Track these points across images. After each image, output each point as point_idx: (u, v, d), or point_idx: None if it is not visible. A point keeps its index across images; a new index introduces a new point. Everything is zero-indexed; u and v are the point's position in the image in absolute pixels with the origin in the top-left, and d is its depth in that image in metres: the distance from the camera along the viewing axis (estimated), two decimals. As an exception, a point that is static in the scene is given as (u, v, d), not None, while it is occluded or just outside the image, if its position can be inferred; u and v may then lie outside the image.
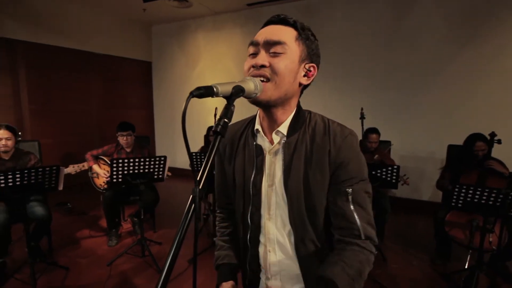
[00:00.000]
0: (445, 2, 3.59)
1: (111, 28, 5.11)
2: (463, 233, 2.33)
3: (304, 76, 0.74)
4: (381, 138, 3.18)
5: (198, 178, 0.46)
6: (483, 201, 1.98)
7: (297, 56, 0.70)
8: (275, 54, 0.68)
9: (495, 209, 1.95)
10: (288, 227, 0.76)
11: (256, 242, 0.81)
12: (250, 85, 0.60)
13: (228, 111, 0.53)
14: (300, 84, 0.74)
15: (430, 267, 2.56)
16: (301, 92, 0.79)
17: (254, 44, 0.71)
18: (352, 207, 0.70)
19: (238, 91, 0.56)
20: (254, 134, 0.80)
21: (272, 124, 0.76)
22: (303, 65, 0.72)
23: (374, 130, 2.99)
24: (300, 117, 0.77)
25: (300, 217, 0.74)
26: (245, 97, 0.59)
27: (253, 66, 0.69)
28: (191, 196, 0.44)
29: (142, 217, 2.64)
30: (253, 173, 0.78)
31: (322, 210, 0.74)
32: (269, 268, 0.81)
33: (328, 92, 4.27)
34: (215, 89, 0.50)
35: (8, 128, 2.40)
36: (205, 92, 0.48)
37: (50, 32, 4.28)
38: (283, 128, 0.75)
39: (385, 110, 3.99)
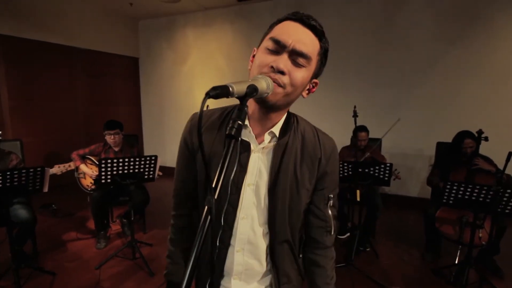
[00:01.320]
0: (435, 0, 3.65)
1: (96, 22, 4.92)
2: (453, 229, 2.38)
3: (307, 90, 0.74)
4: (372, 136, 3.21)
5: (213, 185, 0.42)
6: (473, 198, 2.03)
7: (312, 72, 0.70)
8: (298, 65, 0.66)
9: (486, 206, 2.00)
10: (264, 227, 0.76)
11: (226, 243, 0.77)
12: (263, 84, 0.57)
13: (242, 112, 0.49)
14: (302, 96, 0.74)
15: (421, 262, 2.61)
16: None
17: (280, 44, 0.65)
18: (329, 210, 0.81)
19: (252, 91, 0.52)
20: (237, 129, 0.74)
21: (264, 123, 0.74)
22: (311, 80, 0.73)
23: (363, 128, 3.00)
24: (290, 120, 0.78)
25: (281, 219, 0.75)
26: (257, 97, 0.56)
27: (271, 67, 0.64)
28: (206, 207, 0.40)
29: (132, 218, 2.56)
30: (234, 170, 0.73)
31: (302, 212, 0.79)
32: (233, 268, 0.78)
33: (319, 90, 4.26)
34: (230, 89, 0.46)
35: None
36: (221, 92, 0.45)
37: (33, 26, 4.08)
38: (276, 129, 0.75)
39: (376, 107, 4.03)
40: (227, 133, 0.47)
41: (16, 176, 1.95)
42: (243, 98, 0.51)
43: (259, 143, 0.75)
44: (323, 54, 0.71)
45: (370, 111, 3.98)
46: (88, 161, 2.95)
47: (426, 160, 3.87)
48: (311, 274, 0.85)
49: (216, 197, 0.42)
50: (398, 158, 3.98)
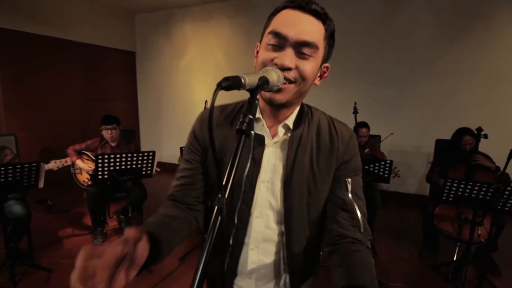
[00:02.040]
0: (435, -2, 3.63)
1: (92, 15, 4.83)
2: (452, 226, 2.38)
3: (319, 76, 0.70)
4: (372, 133, 3.20)
5: (224, 183, 0.39)
6: (473, 195, 2.02)
7: (320, 58, 0.66)
8: (304, 56, 0.62)
9: (485, 203, 2.00)
10: (280, 226, 0.73)
11: (240, 241, 0.74)
12: (274, 76, 0.54)
13: (252, 106, 0.46)
14: (314, 84, 0.71)
15: (419, 259, 2.61)
16: None
17: (281, 37, 0.61)
18: (351, 196, 0.70)
19: (263, 83, 0.49)
20: (249, 123, 0.71)
21: (277, 117, 0.71)
22: (322, 66, 0.69)
23: (364, 125, 3.00)
24: (304, 111, 0.75)
25: (299, 216, 0.71)
26: (268, 91, 0.53)
27: (275, 64, 0.61)
28: (216, 207, 0.38)
29: (129, 214, 2.53)
30: (248, 166, 0.70)
31: (322, 207, 0.74)
32: (247, 267, 0.76)
33: (319, 88, 4.23)
34: (243, 80, 0.44)
35: None
36: (233, 83, 0.42)
37: (28, 19, 3.98)
38: (290, 122, 0.71)
39: (376, 105, 4.01)
40: (237, 128, 0.44)
41: (10, 171, 1.91)
42: (253, 91, 0.48)
43: (273, 137, 0.72)
44: (330, 36, 0.67)
45: (370, 108, 3.97)
46: (85, 157, 2.91)
47: (425, 157, 3.87)
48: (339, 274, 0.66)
49: (227, 196, 0.39)
50: (397, 156, 3.98)
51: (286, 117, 0.71)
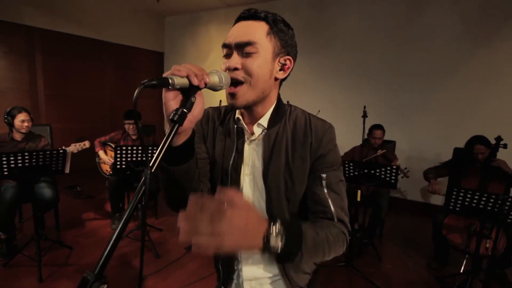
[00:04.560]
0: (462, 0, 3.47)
1: (125, 18, 5.21)
2: (461, 237, 2.30)
3: (280, 70, 0.74)
4: (387, 138, 3.14)
5: (151, 163, 0.49)
6: (481, 206, 1.95)
7: (269, 53, 0.70)
8: (247, 55, 0.68)
9: (493, 215, 1.92)
10: (264, 216, 0.77)
11: None
12: (215, 78, 0.61)
13: (188, 101, 0.55)
14: (276, 79, 0.75)
15: (425, 269, 2.54)
16: (280, 85, 0.79)
17: (227, 46, 0.71)
18: (325, 191, 0.73)
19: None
20: (235, 121, 0.81)
21: (252, 118, 0.78)
22: (277, 60, 0.73)
23: (379, 126, 2.97)
24: (280, 109, 0.78)
25: (279, 208, 0.76)
26: (209, 88, 0.61)
27: (227, 69, 0.69)
28: (143, 178, 0.47)
29: (143, 203, 2.72)
30: (233, 156, 0.78)
31: (300, 199, 0.77)
32: (241, 254, 0.82)
33: (336, 90, 4.22)
34: (170, 81, 0.51)
35: (27, 111, 2.54)
36: (159, 83, 0.49)
37: (66, 20, 4.41)
38: (264, 121, 0.77)
39: (393, 109, 3.91)
40: (170, 118, 0.53)
41: (41, 156, 2.16)
42: (189, 90, 0.55)
43: (252, 136, 0.79)
44: (278, 31, 0.71)
45: (387, 113, 3.88)
46: (109, 148, 3.17)
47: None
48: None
49: (153, 170, 0.49)
50: (414, 162, 3.86)
51: (261, 116, 0.77)
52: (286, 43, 0.73)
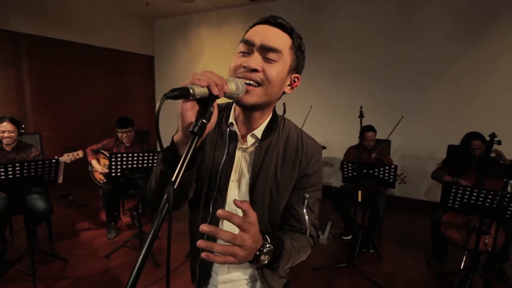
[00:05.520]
0: (452, 1, 3.53)
1: (114, 22, 5.11)
2: (459, 234, 2.32)
3: (289, 85, 0.75)
4: (382, 137, 3.16)
5: (173, 179, 0.46)
6: (479, 203, 1.97)
7: (287, 66, 0.71)
8: (269, 61, 0.68)
9: (491, 211, 1.94)
10: None
11: None
12: (232, 86, 0.59)
13: (206, 111, 0.53)
14: (283, 92, 0.76)
15: (425, 267, 2.56)
16: (279, 98, 0.80)
17: (249, 43, 0.69)
18: (305, 210, 0.78)
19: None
20: (227, 125, 0.79)
21: (248, 124, 0.77)
22: (290, 75, 0.74)
23: (370, 128, 2.96)
24: (275, 122, 0.79)
25: (261, 216, 0.76)
26: (226, 97, 0.59)
27: (244, 67, 0.67)
28: (165, 195, 0.44)
29: (140, 211, 2.67)
30: (224, 158, 0.77)
31: (281, 211, 0.80)
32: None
33: (329, 90, 4.25)
34: (191, 91, 0.49)
35: (12, 120, 2.44)
36: (180, 93, 0.47)
37: (54, 25, 4.29)
38: (258, 132, 0.77)
39: (387, 109, 3.96)
40: (190, 130, 0.51)
41: (33, 166, 2.08)
42: (207, 100, 0.53)
43: (243, 143, 0.78)
44: (298, 48, 0.72)
45: (381, 112, 3.92)
46: (101, 155, 3.09)
47: (438, 163, 3.76)
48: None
49: (175, 185, 0.46)
50: (409, 161, 3.91)
51: (258, 126, 0.77)
52: (300, 62, 0.75)
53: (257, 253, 0.61)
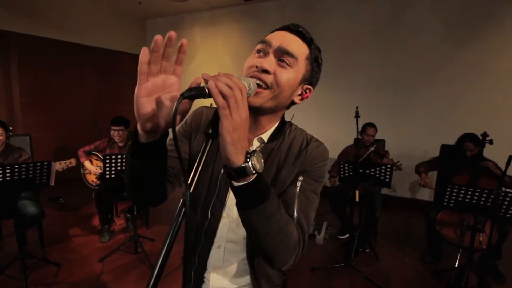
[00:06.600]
0: (443, 2, 3.60)
1: (105, 21, 5.02)
2: (454, 232, 2.36)
3: (299, 95, 0.74)
4: (377, 137, 3.20)
5: (189, 181, 0.44)
6: (474, 201, 2.01)
7: (300, 75, 0.70)
8: (283, 65, 0.67)
9: (486, 209, 1.98)
10: (243, 229, 0.72)
11: (211, 236, 0.77)
12: (244, 84, 0.57)
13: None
14: (292, 102, 0.74)
15: (421, 265, 2.59)
16: (288, 108, 0.78)
17: (267, 43, 0.68)
18: (297, 190, 0.70)
19: None
20: None
21: (254, 130, 0.75)
22: (302, 85, 0.73)
23: (372, 124, 3.07)
24: (282, 129, 0.78)
25: None
26: None
27: (256, 66, 0.66)
28: (182, 200, 0.43)
29: (135, 213, 2.62)
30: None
31: None
32: (212, 262, 0.80)
33: (324, 91, 4.26)
34: (207, 90, 0.48)
35: (1, 123, 2.36)
36: (197, 93, 0.46)
37: (44, 24, 4.19)
38: (265, 136, 0.75)
39: (381, 109, 4.00)
40: (204, 131, 0.49)
41: (24, 169, 2.02)
42: None
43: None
44: (314, 60, 0.72)
45: (375, 112, 3.96)
46: (94, 157, 3.02)
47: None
48: None
49: (192, 191, 0.44)
50: (403, 159, 3.90)
51: (265, 131, 0.75)
52: (315, 75, 0.74)
53: (247, 154, 0.53)
